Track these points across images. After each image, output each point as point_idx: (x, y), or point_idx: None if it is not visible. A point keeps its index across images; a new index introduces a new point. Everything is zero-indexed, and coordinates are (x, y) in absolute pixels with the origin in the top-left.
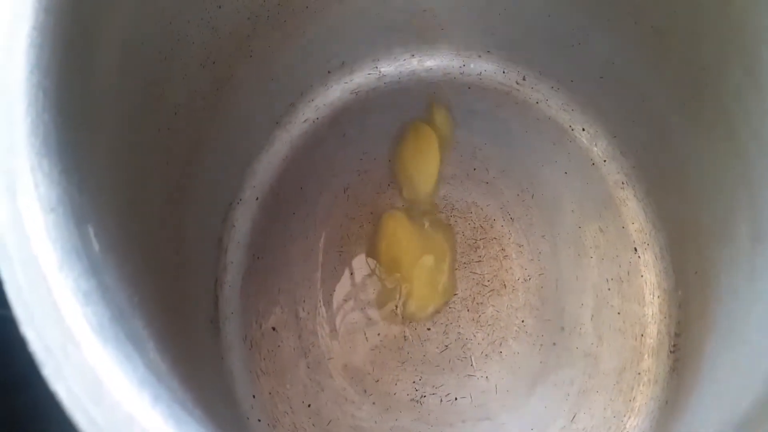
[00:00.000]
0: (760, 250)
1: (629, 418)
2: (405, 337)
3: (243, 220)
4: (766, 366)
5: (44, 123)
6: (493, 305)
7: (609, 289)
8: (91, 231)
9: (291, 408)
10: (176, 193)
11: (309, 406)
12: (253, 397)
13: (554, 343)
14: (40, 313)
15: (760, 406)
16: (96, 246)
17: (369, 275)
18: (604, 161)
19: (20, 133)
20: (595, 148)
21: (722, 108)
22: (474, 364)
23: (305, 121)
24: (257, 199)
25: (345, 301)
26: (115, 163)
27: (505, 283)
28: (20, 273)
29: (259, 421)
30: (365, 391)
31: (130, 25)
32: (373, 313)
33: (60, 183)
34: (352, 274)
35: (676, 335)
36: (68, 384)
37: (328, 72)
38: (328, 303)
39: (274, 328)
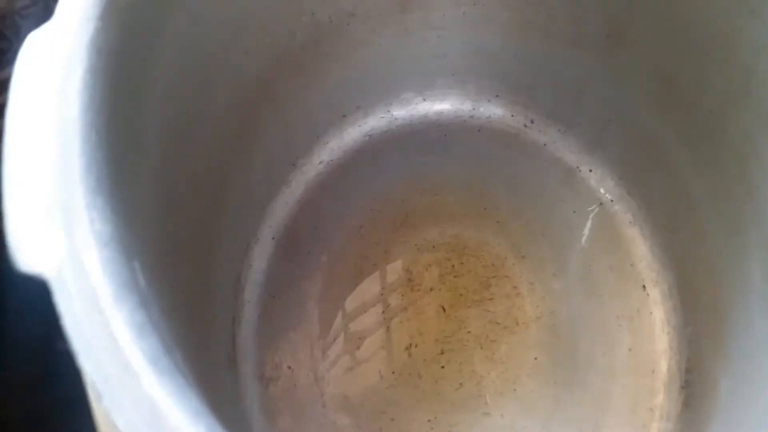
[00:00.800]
0: None
1: None
2: (420, 375)
3: (260, 259)
4: None
5: (97, 161)
6: (506, 343)
7: (620, 326)
8: (137, 266)
9: None
10: (202, 232)
11: None
12: None
13: (568, 380)
14: (97, 345)
15: None
16: (142, 281)
17: (384, 311)
18: (612, 201)
19: (76, 171)
20: (602, 189)
21: (733, 149)
22: (489, 401)
23: (320, 162)
24: (273, 238)
25: (360, 339)
26: (151, 201)
27: (518, 320)
28: (78, 306)
29: None
30: (380, 430)
31: (170, 69)
32: (388, 352)
33: (112, 219)
34: (366, 311)
35: (688, 371)
36: (127, 415)
37: (344, 116)
38: (342, 341)
39: (289, 367)
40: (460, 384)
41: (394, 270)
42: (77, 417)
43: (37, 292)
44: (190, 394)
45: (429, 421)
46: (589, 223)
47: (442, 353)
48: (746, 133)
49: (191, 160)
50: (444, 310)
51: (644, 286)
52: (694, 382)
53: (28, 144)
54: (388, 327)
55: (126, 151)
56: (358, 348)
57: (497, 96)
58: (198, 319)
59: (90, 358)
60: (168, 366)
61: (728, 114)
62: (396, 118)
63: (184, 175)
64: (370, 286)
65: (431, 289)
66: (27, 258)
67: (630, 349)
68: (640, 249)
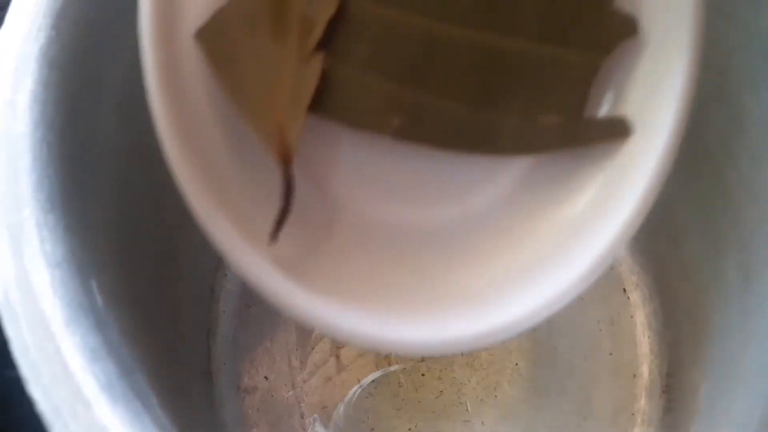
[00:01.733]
0: (751, 289)
1: None
2: (399, 383)
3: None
4: (763, 405)
5: (48, 177)
6: (486, 349)
7: (600, 330)
8: (94, 285)
9: None
10: (167, 246)
11: None
12: None
13: (548, 386)
14: (47, 372)
15: None
16: (99, 301)
17: None
18: None
19: (25, 187)
20: None
21: (708, 152)
22: (469, 409)
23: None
24: None
25: (338, 348)
26: (110, 219)
27: None
28: (26, 330)
29: None
30: None
31: (126, 82)
32: (368, 361)
33: (64, 238)
34: None
35: (669, 375)
36: None
37: None
38: (320, 351)
39: (266, 377)
40: (441, 392)
41: None
42: None
43: None
44: (146, 420)
45: (409, 429)
46: None
47: (422, 360)
48: (721, 138)
49: (151, 174)
50: None
51: (624, 290)
52: (675, 386)
53: None
54: None
55: (80, 166)
56: (337, 357)
57: None
58: (167, 334)
59: (39, 386)
60: (123, 392)
61: (704, 119)
62: None
63: (144, 190)
64: None
65: None
66: None
67: (611, 354)
68: (620, 253)
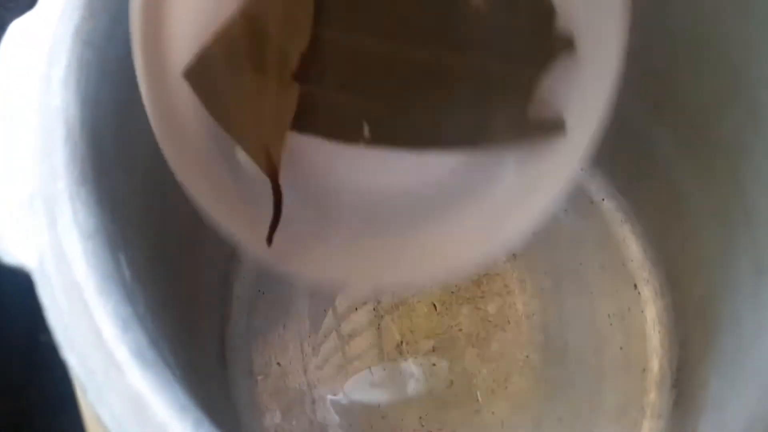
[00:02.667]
0: (763, 284)
1: None
2: (411, 372)
3: (249, 256)
4: None
5: (81, 152)
6: (497, 341)
7: (611, 325)
8: (122, 259)
9: None
10: (188, 229)
11: None
12: None
13: (559, 378)
14: (81, 338)
15: None
16: (127, 274)
17: (375, 308)
18: (603, 199)
19: (59, 161)
20: (593, 187)
21: (723, 146)
22: (480, 399)
23: None
24: None
25: (350, 336)
26: (139, 196)
27: (509, 318)
28: (61, 298)
29: None
30: (371, 427)
31: None
32: (380, 349)
33: (96, 211)
34: (357, 309)
35: (679, 369)
36: (112, 408)
37: None
38: (333, 338)
39: (279, 363)
40: (451, 381)
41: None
42: (64, 413)
43: (20, 285)
44: (177, 388)
45: (420, 418)
46: (580, 222)
47: (434, 350)
48: (736, 132)
49: None
50: (435, 307)
51: (635, 285)
52: (685, 381)
53: (10, 133)
54: (379, 324)
55: (113, 142)
56: (349, 345)
57: None
58: (186, 314)
59: (74, 351)
60: (153, 360)
61: (719, 113)
62: None
63: (169, 171)
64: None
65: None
66: (8, 249)
67: (621, 348)
68: (632, 247)
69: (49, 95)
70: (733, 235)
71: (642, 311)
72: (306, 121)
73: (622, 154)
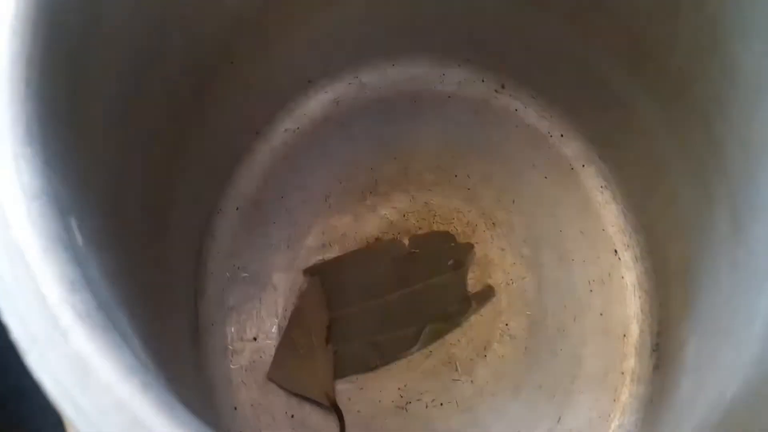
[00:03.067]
0: (739, 242)
1: (614, 417)
2: None
3: (223, 230)
4: (751, 352)
5: (27, 113)
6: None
7: (591, 291)
8: (74, 223)
9: (274, 419)
10: (156, 198)
11: (292, 416)
12: (235, 408)
13: (538, 346)
14: (23, 301)
15: (746, 392)
16: (79, 239)
17: None
18: (583, 165)
19: (3, 120)
20: (574, 153)
21: (700, 106)
22: (459, 368)
23: (285, 131)
24: (237, 209)
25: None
26: (96, 160)
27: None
28: (2, 260)
29: None
30: (350, 399)
31: (116, 20)
32: None
33: (44, 172)
34: None
35: (658, 334)
36: (54, 372)
37: (309, 81)
38: None
39: (255, 338)
40: (430, 352)
41: (363, 239)
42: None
43: None
44: (126, 351)
45: (399, 389)
46: (560, 189)
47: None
48: (712, 90)
49: (142, 121)
50: None
51: (616, 251)
52: (664, 345)
53: None
54: None
55: (63, 106)
56: None
57: (467, 60)
58: (154, 288)
59: (15, 314)
60: (102, 323)
61: (696, 70)
62: (364, 85)
63: (135, 137)
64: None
65: None
66: None
67: (601, 314)
68: (612, 213)
69: None
70: (710, 193)
71: (622, 277)
72: (341, 367)
73: (601, 119)
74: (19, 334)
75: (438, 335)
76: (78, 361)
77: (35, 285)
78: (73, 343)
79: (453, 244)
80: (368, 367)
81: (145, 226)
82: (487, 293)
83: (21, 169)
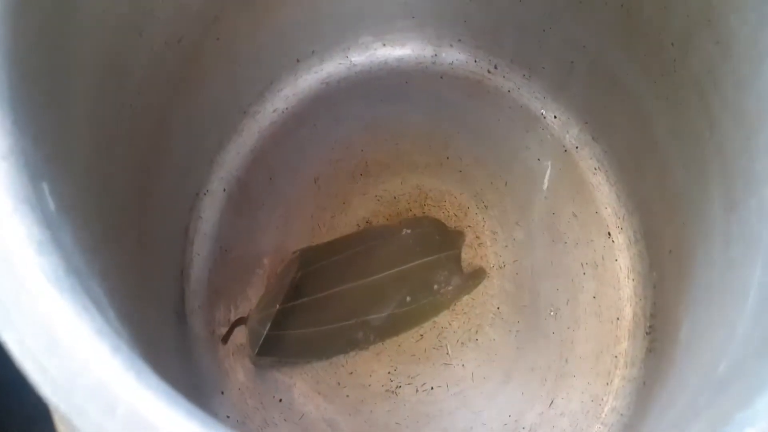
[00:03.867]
0: (733, 218)
1: (607, 400)
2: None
3: (210, 211)
4: (742, 327)
5: None
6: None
7: (584, 274)
8: (45, 188)
9: (261, 403)
10: (140, 175)
11: (280, 400)
12: (222, 393)
13: (530, 329)
14: None
15: (735, 367)
16: (51, 204)
17: None
18: (577, 147)
19: None
20: (567, 135)
21: (694, 81)
22: (450, 352)
23: (274, 110)
24: (225, 190)
25: None
26: (75, 129)
27: None
28: None
29: (228, 417)
30: (339, 384)
31: None
32: None
33: (13, 133)
34: None
35: (652, 316)
36: (19, 333)
37: (297, 60)
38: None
39: (235, 322)
40: (421, 335)
41: (354, 222)
42: (40, 421)
43: None
44: (96, 315)
45: (389, 373)
46: (553, 171)
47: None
48: (707, 65)
49: (124, 96)
50: None
51: (609, 233)
52: (658, 327)
53: None
54: None
55: (38, 68)
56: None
57: (459, 40)
58: (136, 266)
59: None
60: (70, 285)
61: (690, 44)
62: (354, 64)
63: (116, 111)
64: (328, 239)
65: None
66: None
67: (594, 297)
68: (605, 195)
69: None
70: (705, 170)
71: (616, 259)
72: (332, 347)
73: (595, 98)
74: None
75: (428, 316)
76: (44, 323)
77: (2, 245)
78: (39, 305)
79: (444, 230)
80: (358, 346)
81: (128, 203)
82: (478, 274)
83: None
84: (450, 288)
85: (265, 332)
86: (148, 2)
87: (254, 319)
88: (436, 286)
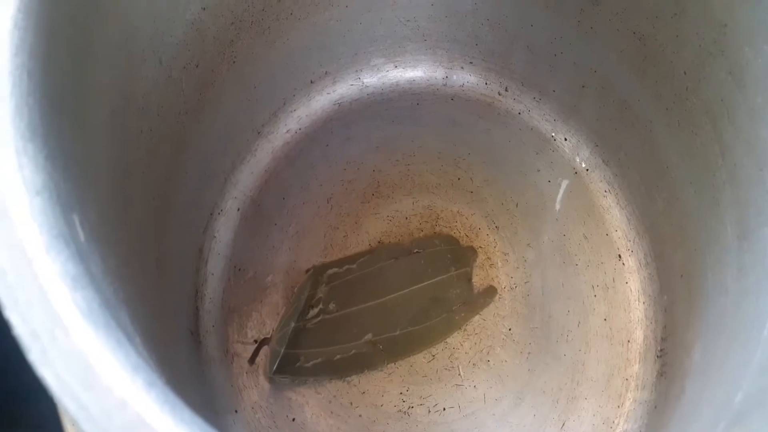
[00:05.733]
0: (747, 246)
1: (619, 423)
2: None
3: (224, 231)
4: (758, 358)
5: (29, 107)
6: (479, 314)
7: (595, 296)
8: (76, 220)
9: (275, 423)
10: (157, 197)
11: (293, 420)
12: (236, 411)
13: (541, 351)
14: (25, 297)
15: (752, 399)
16: (82, 236)
17: None
18: (587, 170)
19: (4, 115)
20: (578, 157)
21: (706, 109)
22: (461, 373)
23: (287, 131)
24: (239, 209)
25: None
26: (99, 157)
27: None
28: (4, 256)
29: None
30: (351, 404)
31: (117, 16)
32: None
33: (45, 168)
34: None
35: (663, 339)
36: (56, 369)
37: (311, 82)
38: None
39: (256, 341)
40: (433, 356)
41: (366, 241)
42: (41, 400)
43: None
44: (130, 349)
45: (401, 393)
46: (563, 193)
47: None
48: (719, 94)
49: (143, 121)
50: None
51: (620, 256)
52: (669, 350)
53: None
54: None
55: (64, 100)
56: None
57: (471, 63)
58: (154, 287)
59: (17, 310)
60: (105, 320)
61: (702, 73)
62: (366, 86)
63: (136, 135)
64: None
65: None
66: None
67: (605, 319)
68: (616, 218)
69: None
70: (716, 197)
71: (626, 282)
72: (345, 366)
73: (606, 122)
74: (21, 331)
75: (441, 335)
76: (81, 358)
77: (38, 281)
78: (75, 340)
79: (456, 248)
80: (371, 365)
81: (147, 225)
82: (489, 293)
83: (23, 164)
84: (461, 307)
85: (282, 351)
86: (168, 29)
87: (273, 339)
88: (447, 305)
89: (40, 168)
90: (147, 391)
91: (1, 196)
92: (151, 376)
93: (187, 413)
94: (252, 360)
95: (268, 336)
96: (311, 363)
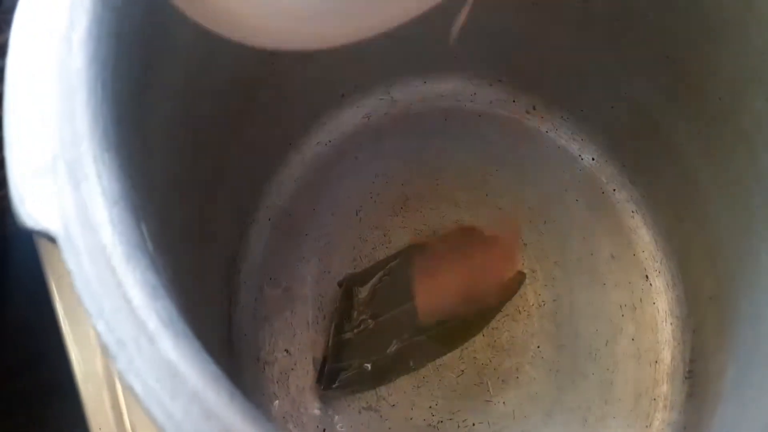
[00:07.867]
0: None
1: None
2: None
3: (256, 241)
4: None
5: (103, 116)
6: (508, 330)
7: (623, 316)
8: (144, 230)
9: None
10: (199, 209)
11: (324, 430)
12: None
13: (570, 369)
14: (110, 306)
15: None
16: (150, 245)
17: None
18: (614, 190)
19: (82, 123)
20: (605, 177)
21: (741, 135)
22: (491, 389)
23: (318, 143)
24: (270, 219)
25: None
26: (156, 167)
27: (520, 308)
28: (88, 264)
29: None
30: (381, 417)
31: (177, 31)
32: None
33: (120, 178)
34: None
35: (692, 361)
36: (144, 378)
37: (342, 96)
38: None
39: (287, 350)
40: (462, 371)
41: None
42: (60, 399)
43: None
44: (208, 358)
45: (430, 407)
46: (591, 212)
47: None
48: (756, 120)
49: (190, 133)
50: None
51: (647, 276)
52: (699, 372)
53: (31, 96)
54: None
55: (132, 107)
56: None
57: (500, 81)
58: (193, 298)
59: (102, 318)
60: (183, 329)
61: (739, 101)
62: (395, 100)
63: (187, 145)
64: None
65: None
66: (31, 214)
67: (633, 339)
68: (643, 238)
69: (69, 57)
70: (750, 224)
71: (654, 302)
72: (377, 377)
73: (634, 143)
74: (107, 339)
75: (476, 327)
76: (168, 367)
77: (121, 290)
78: (160, 349)
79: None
80: (412, 367)
81: (190, 237)
82: (518, 278)
83: (101, 173)
84: (492, 296)
85: (327, 365)
86: (219, 46)
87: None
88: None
89: (115, 177)
90: (230, 401)
91: (85, 206)
92: (231, 387)
93: (270, 427)
94: (320, 380)
95: (326, 354)
96: (356, 373)
